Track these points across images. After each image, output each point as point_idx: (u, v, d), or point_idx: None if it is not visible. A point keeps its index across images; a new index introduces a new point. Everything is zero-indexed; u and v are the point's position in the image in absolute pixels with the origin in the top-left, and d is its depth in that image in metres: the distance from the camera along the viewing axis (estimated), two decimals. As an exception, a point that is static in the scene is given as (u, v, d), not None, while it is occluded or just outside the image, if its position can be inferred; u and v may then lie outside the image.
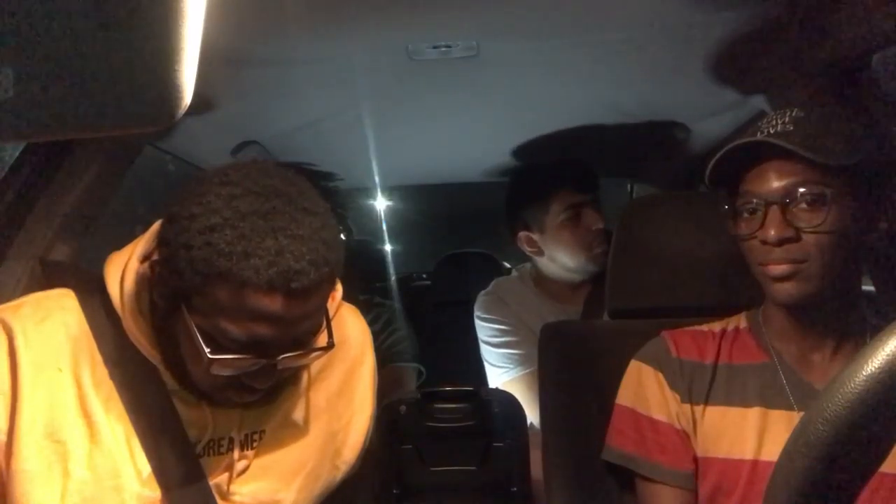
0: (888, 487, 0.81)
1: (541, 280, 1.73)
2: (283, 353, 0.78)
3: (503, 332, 1.67)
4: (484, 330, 1.72)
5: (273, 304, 0.73)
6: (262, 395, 0.85)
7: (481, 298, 1.77)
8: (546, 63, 1.22)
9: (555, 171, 1.68)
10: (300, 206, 0.77)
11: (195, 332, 0.75)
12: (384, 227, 3.65)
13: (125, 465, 0.80)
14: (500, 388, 1.63)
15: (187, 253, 0.73)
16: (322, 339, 0.85)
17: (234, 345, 0.75)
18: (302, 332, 0.80)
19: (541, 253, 1.69)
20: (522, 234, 1.70)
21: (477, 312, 1.75)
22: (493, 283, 1.81)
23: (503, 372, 1.65)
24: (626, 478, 1.01)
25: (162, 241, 0.77)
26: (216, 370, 0.77)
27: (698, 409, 0.95)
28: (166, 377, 0.85)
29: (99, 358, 0.82)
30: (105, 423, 0.80)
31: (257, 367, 0.78)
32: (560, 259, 1.66)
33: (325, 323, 0.86)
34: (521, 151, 1.82)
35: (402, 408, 1.23)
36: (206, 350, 0.75)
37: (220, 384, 0.81)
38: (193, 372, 0.81)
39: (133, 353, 0.83)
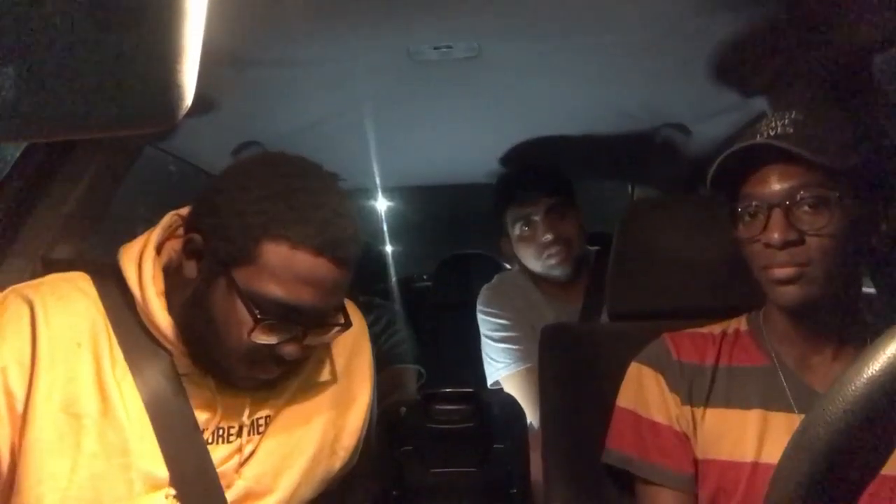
0: (889, 490, 0.81)
1: (536, 277, 1.74)
2: (317, 324, 0.86)
3: (504, 327, 1.69)
4: (485, 323, 1.73)
5: (321, 267, 0.80)
6: (278, 374, 0.88)
7: (484, 291, 1.79)
8: (547, 65, 1.22)
9: (504, 184, 1.73)
10: (336, 191, 0.86)
11: (244, 296, 0.80)
12: (385, 228, 3.65)
13: (134, 443, 0.81)
14: (498, 382, 1.65)
15: (241, 220, 0.79)
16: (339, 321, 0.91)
17: (278, 310, 0.80)
18: (332, 306, 0.87)
19: (517, 258, 1.74)
20: (503, 239, 1.75)
21: (479, 305, 1.76)
22: (496, 276, 1.84)
23: (502, 367, 1.66)
24: (626, 480, 1.01)
25: (208, 212, 0.83)
26: (258, 337, 0.80)
27: (698, 411, 0.95)
28: (179, 362, 0.86)
29: (114, 339, 0.84)
30: (118, 401, 0.81)
31: (290, 338, 0.83)
32: (528, 266, 1.71)
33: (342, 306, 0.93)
34: (513, 154, 1.82)
35: (403, 409, 1.23)
36: (256, 311, 0.79)
37: (249, 358, 0.83)
38: (225, 346, 0.83)
39: (147, 337, 0.85)
